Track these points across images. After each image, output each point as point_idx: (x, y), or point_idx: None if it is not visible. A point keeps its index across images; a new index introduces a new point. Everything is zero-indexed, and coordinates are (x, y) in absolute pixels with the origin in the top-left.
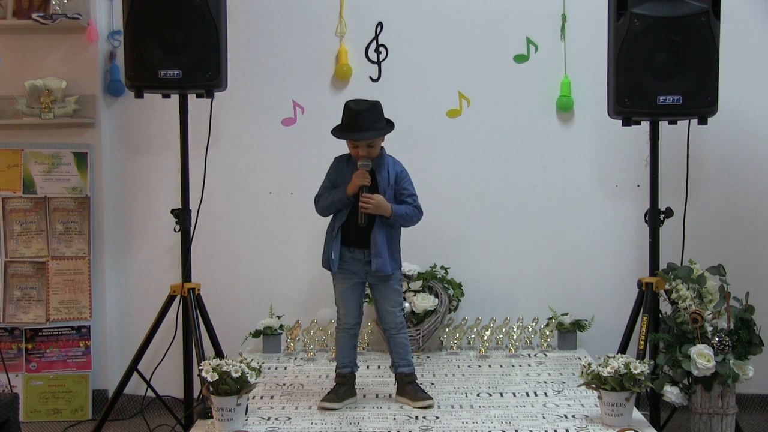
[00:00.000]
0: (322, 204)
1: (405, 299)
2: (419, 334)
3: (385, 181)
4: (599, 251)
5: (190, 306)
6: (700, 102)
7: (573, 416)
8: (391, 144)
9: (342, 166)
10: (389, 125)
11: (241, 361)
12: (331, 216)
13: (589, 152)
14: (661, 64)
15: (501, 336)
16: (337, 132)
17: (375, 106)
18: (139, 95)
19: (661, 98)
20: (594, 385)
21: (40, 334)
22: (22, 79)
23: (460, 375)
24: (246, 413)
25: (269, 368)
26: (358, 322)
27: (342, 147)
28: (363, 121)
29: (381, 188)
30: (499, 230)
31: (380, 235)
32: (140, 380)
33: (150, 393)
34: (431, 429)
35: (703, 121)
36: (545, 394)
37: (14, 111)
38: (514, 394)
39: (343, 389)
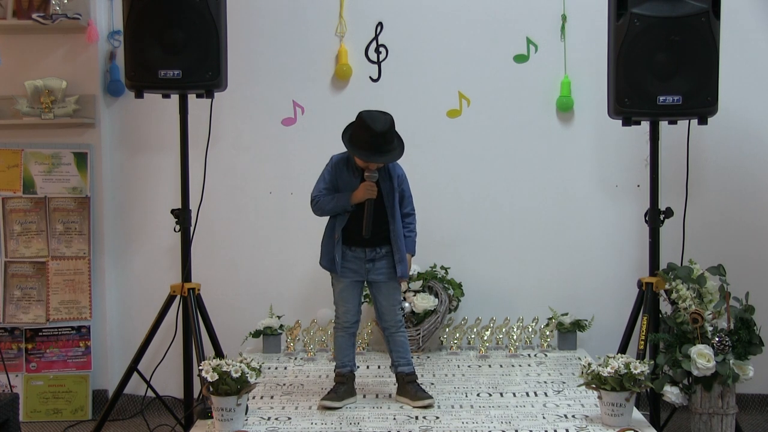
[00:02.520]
0: (322, 207)
1: (405, 299)
2: (419, 334)
3: (389, 188)
4: (599, 251)
5: (190, 306)
6: (700, 102)
7: (573, 416)
8: None
9: (341, 169)
10: (400, 141)
11: (241, 361)
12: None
13: (589, 152)
14: (661, 64)
15: (501, 336)
16: (357, 151)
17: (392, 125)
18: (139, 95)
19: (661, 98)
20: (594, 385)
21: (40, 334)
22: (22, 79)
23: (460, 375)
24: (246, 413)
25: (269, 368)
26: (357, 321)
27: (343, 147)
28: (387, 142)
29: (385, 194)
30: (499, 230)
31: (397, 239)
32: (140, 380)
33: (150, 393)
34: (431, 429)
35: (703, 121)
36: (545, 394)
37: (14, 111)
38: (514, 394)
39: (344, 388)
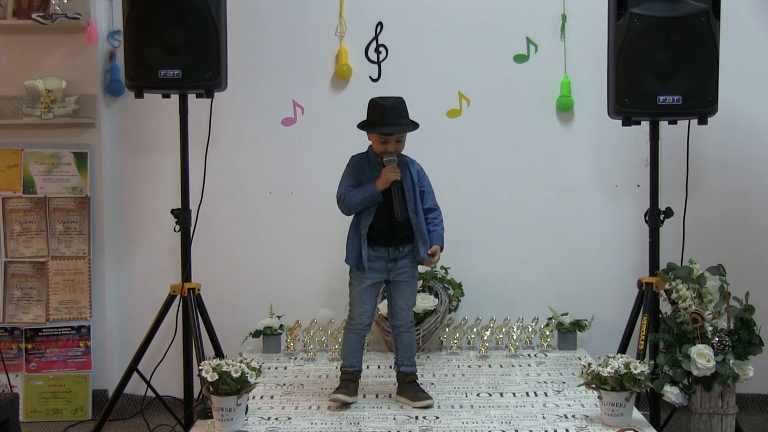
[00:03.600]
0: (350, 201)
1: None
2: (419, 334)
3: (410, 182)
4: (599, 251)
5: (190, 306)
6: (700, 102)
7: (573, 416)
8: None
9: (363, 165)
10: (414, 122)
11: (241, 361)
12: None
13: (589, 152)
14: (661, 64)
15: (501, 336)
16: (370, 127)
17: (402, 102)
18: (139, 95)
19: (661, 98)
20: (594, 385)
21: (40, 334)
22: (22, 79)
23: (460, 375)
24: (246, 413)
25: (269, 368)
26: (371, 324)
27: (343, 147)
28: (395, 116)
29: (406, 187)
30: (499, 230)
31: (421, 230)
32: (140, 380)
33: (150, 393)
34: (431, 429)
35: (703, 121)
36: (545, 394)
37: (14, 111)
38: (514, 394)
39: (353, 385)
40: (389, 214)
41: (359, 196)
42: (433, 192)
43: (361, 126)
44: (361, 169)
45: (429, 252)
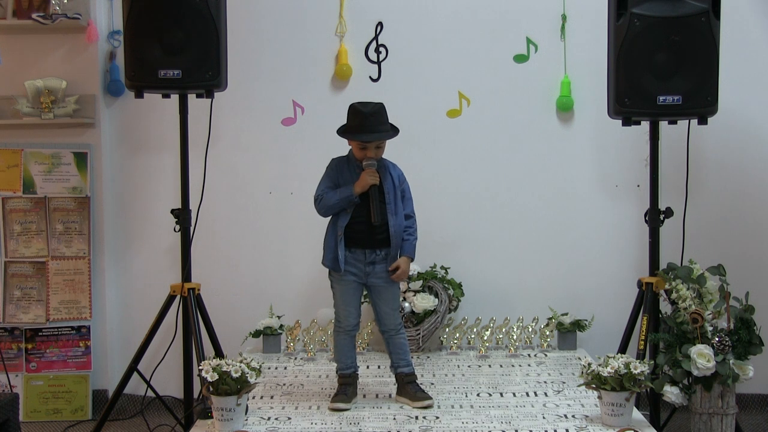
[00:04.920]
0: (326, 203)
1: (405, 299)
2: (419, 334)
3: (390, 185)
4: (599, 251)
5: (190, 306)
6: (700, 102)
7: (573, 416)
8: (391, 144)
9: (342, 168)
10: (394, 127)
11: (241, 361)
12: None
13: (589, 152)
14: (661, 64)
15: (501, 336)
16: (349, 134)
17: (383, 108)
18: (139, 95)
19: (661, 98)
20: (594, 385)
21: (40, 334)
22: (22, 79)
23: (460, 375)
24: (246, 413)
25: (269, 368)
26: (358, 323)
27: (342, 148)
28: (375, 122)
29: (386, 190)
30: (499, 230)
31: (396, 237)
32: (140, 380)
33: (150, 393)
34: (431, 429)
35: (703, 121)
36: (545, 394)
37: (14, 111)
38: (514, 394)
39: (351, 389)
40: (366, 215)
41: (336, 198)
42: (412, 199)
43: (341, 132)
44: (340, 171)
45: (390, 269)
